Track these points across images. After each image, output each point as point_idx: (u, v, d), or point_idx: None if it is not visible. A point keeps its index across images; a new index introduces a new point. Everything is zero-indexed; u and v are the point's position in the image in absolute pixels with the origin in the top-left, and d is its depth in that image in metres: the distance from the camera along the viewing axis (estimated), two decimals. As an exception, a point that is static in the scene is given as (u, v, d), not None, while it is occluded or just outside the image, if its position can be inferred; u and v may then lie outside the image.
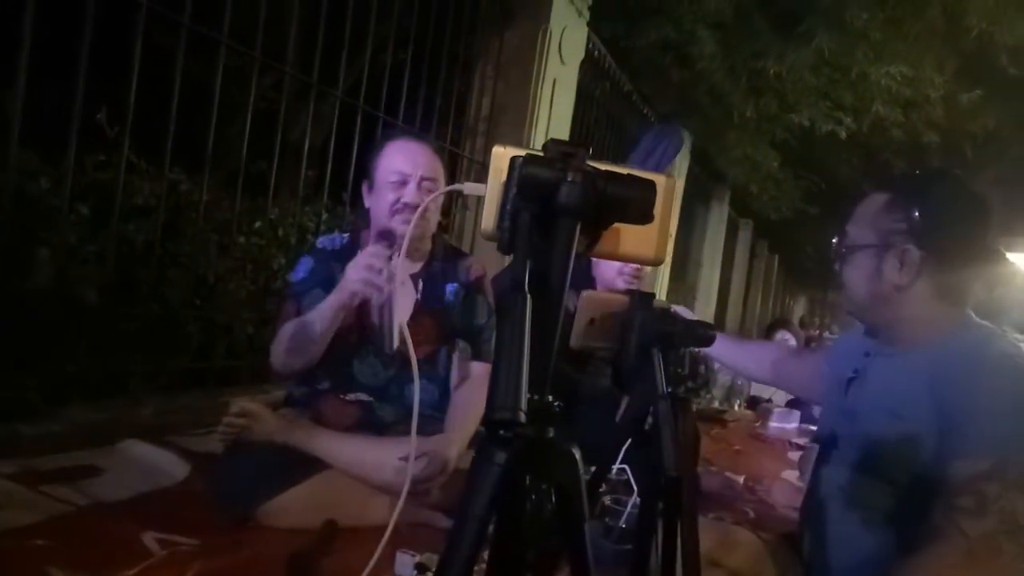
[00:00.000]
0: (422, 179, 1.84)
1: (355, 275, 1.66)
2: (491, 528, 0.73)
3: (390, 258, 1.67)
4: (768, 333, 4.79)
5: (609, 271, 2.55)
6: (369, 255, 1.66)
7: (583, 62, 4.59)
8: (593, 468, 1.53)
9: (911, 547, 1.23)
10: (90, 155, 2.38)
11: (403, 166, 1.84)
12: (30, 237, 2.20)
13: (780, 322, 5.22)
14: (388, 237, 1.79)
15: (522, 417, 0.63)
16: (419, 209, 1.68)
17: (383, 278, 1.65)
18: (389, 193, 1.84)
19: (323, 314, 1.77)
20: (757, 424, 3.92)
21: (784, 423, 3.91)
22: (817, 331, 15.70)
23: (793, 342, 4.64)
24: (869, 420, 1.36)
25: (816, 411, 3.83)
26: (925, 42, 5.00)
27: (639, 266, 2.59)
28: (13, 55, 1.98)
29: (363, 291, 1.67)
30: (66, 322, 2.22)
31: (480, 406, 1.81)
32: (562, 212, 0.72)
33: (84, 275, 2.29)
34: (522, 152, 0.75)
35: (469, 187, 0.87)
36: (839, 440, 1.45)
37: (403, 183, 1.83)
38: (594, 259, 2.59)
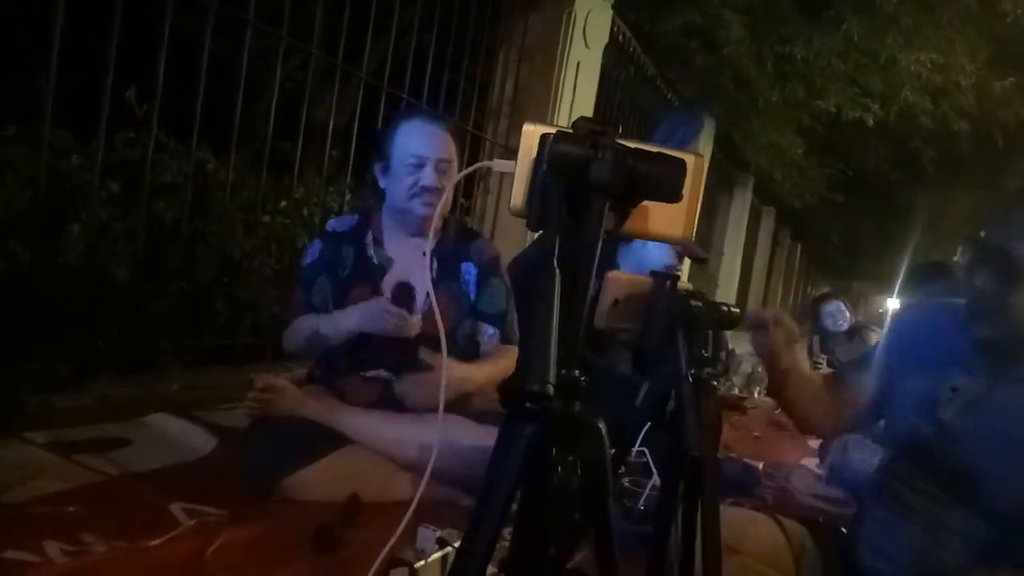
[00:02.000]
0: (439, 161, 1.85)
1: (378, 324, 1.78)
2: (516, 502, 0.74)
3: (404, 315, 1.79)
4: (815, 305, 4.72)
5: (651, 261, 2.53)
6: (393, 315, 1.76)
7: (607, 46, 4.55)
8: (612, 451, 1.54)
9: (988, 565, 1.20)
10: (120, 133, 2.42)
11: (420, 149, 1.85)
12: (62, 214, 2.24)
13: (830, 294, 5.10)
14: (408, 221, 1.90)
15: (550, 390, 0.64)
16: (444, 195, 1.72)
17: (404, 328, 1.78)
18: (406, 176, 1.85)
19: (338, 332, 1.85)
20: (777, 411, 3.90)
21: (804, 411, 3.89)
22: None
23: (848, 314, 4.58)
24: (980, 444, 1.25)
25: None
26: (957, 28, 4.91)
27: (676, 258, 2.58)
28: (46, 35, 2.01)
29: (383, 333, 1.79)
30: (96, 298, 2.26)
31: (502, 369, 1.82)
32: (592, 189, 0.72)
33: (114, 252, 2.33)
34: (552, 129, 0.76)
35: (499, 164, 0.88)
36: (923, 458, 1.33)
37: (420, 166, 1.84)
38: (624, 246, 2.58)
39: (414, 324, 1.78)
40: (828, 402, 1.54)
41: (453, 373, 1.75)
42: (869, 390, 1.49)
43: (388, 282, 1.91)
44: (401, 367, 1.89)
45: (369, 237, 1.97)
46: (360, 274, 1.93)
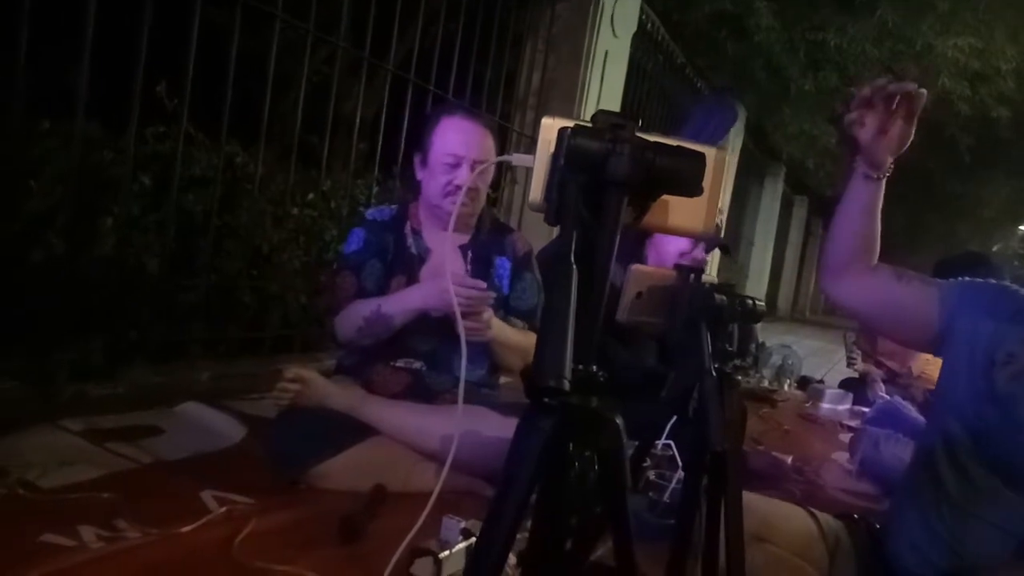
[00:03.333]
0: (475, 162, 1.85)
1: (446, 301, 1.74)
2: (534, 495, 0.74)
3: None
4: None
5: (668, 251, 2.52)
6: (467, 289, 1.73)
7: (635, 35, 4.51)
8: (637, 443, 1.54)
9: None
10: (151, 127, 2.46)
11: (458, 148, 1.85)
12: (95, 206, 2.28)
13: None
14: (440, 216, 1.91)
15: (566, 385, 0.64)
16: (463, 188, 1.75)
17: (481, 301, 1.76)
18: (442, 174, 1.86)
19: (404, 309, 1.83)
20: (807, 404, 3.85)
21: (836, 404, 3.84)
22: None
23: None
24: None
25: (872, 395, 3.73)
26: (997, 11, 4.77)
27: (700, 253, 2.56)
28: (78, 31, 2.05)
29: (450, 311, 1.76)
30: (129, 289, 2.31)
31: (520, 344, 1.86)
32: (610, 183, 0.72)
33: (146, 244, 2.37)
34: (571, 123, 0.75)
35: (517, 158, 0.88)
36: (973, 430, 1.26)
37: (456, 165, 1.85)
38: (649, 239, 2.57)
39: (488, 296, 1.75)
40: (881, 271, 1.37)
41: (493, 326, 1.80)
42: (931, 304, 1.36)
43: (425, 273, 1.92)
44: (431, 356, 1.90)
45: (408, 227, 1.98)
46: (399, 263, 1.94)
